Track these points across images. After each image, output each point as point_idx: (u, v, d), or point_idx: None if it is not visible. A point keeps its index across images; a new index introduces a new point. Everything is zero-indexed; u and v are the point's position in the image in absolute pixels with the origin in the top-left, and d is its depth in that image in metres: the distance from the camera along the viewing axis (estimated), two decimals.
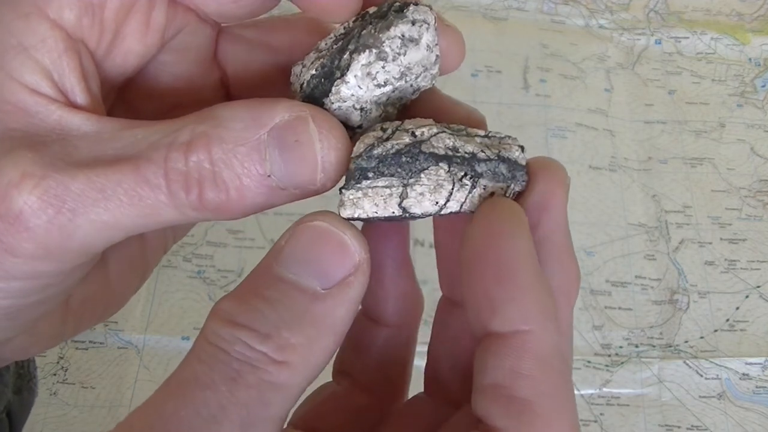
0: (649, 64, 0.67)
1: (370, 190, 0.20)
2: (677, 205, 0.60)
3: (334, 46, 0.22)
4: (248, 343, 0.18)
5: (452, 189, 0.21)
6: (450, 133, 0.21)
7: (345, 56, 0.21)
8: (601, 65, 0.66)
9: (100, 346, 0.51)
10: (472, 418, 0.19)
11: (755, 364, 0.53)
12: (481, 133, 0.22)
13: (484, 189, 0.21)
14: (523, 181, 0.22)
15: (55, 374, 0.50)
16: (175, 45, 0.24)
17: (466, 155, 0.21)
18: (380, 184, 0.20)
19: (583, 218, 0.58)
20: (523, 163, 0.22)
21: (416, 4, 0.21)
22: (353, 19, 0.22)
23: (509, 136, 0.22)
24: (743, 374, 0.53)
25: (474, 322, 0.20)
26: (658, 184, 0.60)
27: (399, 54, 0.21)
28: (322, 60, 0.22)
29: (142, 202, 0.19)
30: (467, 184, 0.21)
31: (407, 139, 0.20)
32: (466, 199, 0.21)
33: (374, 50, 0.21)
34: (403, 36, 0.21)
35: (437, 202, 0.21)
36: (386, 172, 0.20)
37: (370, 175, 0.20)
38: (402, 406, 0.27)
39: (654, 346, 0.54)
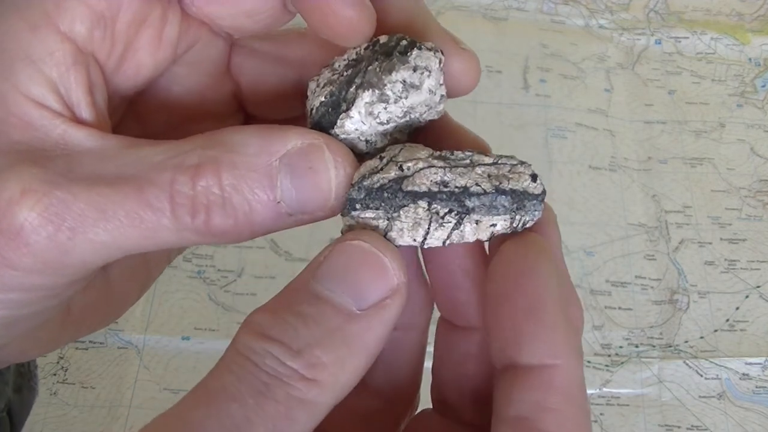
0: (649, 64, 0.67)
1: (360, 219, 0.21)
2: (677, 205, 0.60)
3: (345, 73, 0.22)
4: (279, 357, 0.18)
5: (428, 228, 0.20)
6: (442, 166, 0.21)
7: (351, 89, 0.21)
8: (601, 65, 0.66)
9: (100, 346, 0.51)
10: None
11: (755, 364, 0.53)
12: (489, 160, 0.21)
13: (477, 224, 0.21)
14: (536, 210, 0.21)
15: (55, 374, 0.50)
16: (188, 58, 0.24)
17: (456, 190, 0.21)
18: (368, 215, 0.21)
19: (583, 218, 0.58)
20: (537, 191, 0.21)
21: (420, 48, 0.21)
22: (365, 45, 0.22)
23: (522, 163, 0.22)
24: (743, 374, 0.53)
25: (498, 353, 0.20)
26: (658, 184, 0.60)
27: (401, 97, 0.21)
28: (331, 87, 0.22)
29: (144, 224, 0.19)
30: (450, 221, 0.20)
31: (393, 174, 0.21)
32: (449, 235, 0.21)
33: (377, 91, 0.21)
34: (404, 81, 0.21)
35: (415, 239, 0.21)
36: (371, 205, 0.20)
37: (358, 206, 0.21)
38: (412, 423, 0.26)
39: (654, 346, 0.54)
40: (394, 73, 0.21)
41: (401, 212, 0.20)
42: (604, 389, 0.52)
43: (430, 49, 0.21)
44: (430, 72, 0.21)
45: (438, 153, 0.21)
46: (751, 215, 0.59)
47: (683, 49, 0.68)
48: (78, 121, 0.20)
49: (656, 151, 0.62)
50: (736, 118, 0.64)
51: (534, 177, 0.21)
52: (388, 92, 0.21)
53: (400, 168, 0.21)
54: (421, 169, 0.21)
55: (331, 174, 0.20)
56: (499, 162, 0.21)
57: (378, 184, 0.21)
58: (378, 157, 0.21)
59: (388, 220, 0.21)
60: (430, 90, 0.21)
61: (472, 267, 0.24)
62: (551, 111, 0.63)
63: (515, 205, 0.21)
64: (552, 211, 0.22)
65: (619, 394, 0.52)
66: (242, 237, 0.20)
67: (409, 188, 0.20)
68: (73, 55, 0.20)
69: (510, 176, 0.21)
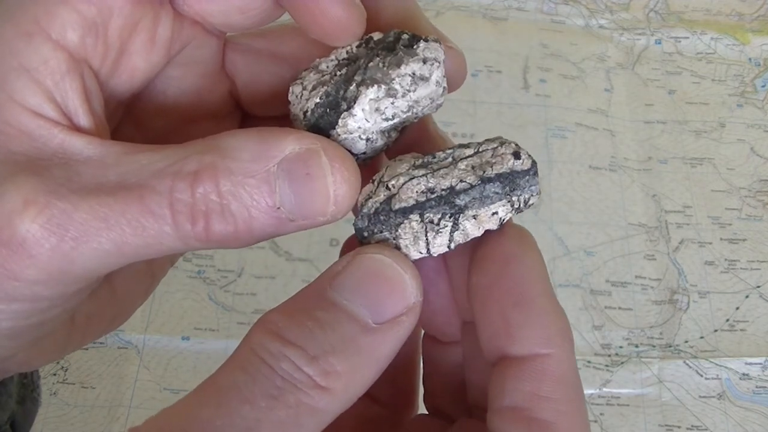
0: (649, 64, 0.67)
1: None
2: (677, 205, 0.60)
3: (338, 73, 0.22)
4: (295, 362, 0.18)
5: (427, 238, 0.20)
6: (423, 174, 0.21)
7: (351, 87, 0.21)
8: (601, 65, 0.66)
9: (100, 346, 0.51)
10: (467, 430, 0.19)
11: (755, 364, 0.53)
12: (470, 152, 0.21)
13: (475, 218, 0.20)
14: (532, 185, 0.20)
15: (55, 374, 0.50)
16: (182, 59, 0.24)
17: (443, 193, 0.20)
18: (378, 238, 0.21)
19: (583, 218, 0.58)
20: (526, 167, 0.20)
21: (426, 40, 0.21)
22: (356, 44, 0.22)
23: (504, 143, 0.21)
24: (743, 374, 0.53)
25: (488, 346, 0.20)
26: (658, 184, 0.60)
27: (409, 91, 0.21)
28: (326, 88, 0.21)
29: (146, 232, 0.19)
30: (447, 225, 0.20)
31: (382, 196, 0.21)
32: (451, 239, 0.20)
33: (383, 86, 0.21)
34: (413, 74, 0.21)
35: (421, 252, 0.21)
36: (375, 230, 0.21)
37: (366, 234, 0.21)
38: (412, 423, 0.27)
39: (654, 346, 0.54)
40: (403, 67, 0.21)
41: (399, 230, 0.20)
42: (604, 389, 0.52)
43: (435, 41, 0.21)
44: (439, 63, 0.21)
45: (420, 161, 0.21)
46: (751, 215, 0.59)
47: (683, 49, 0.68)
48: (76, 128, 0.20)
49: (656, 151, 0.62)
50: (736, 118, 0.64)
51: (516, 154, 0.21)
52: (396, 86, 0.21)
53: (387, 188, 0.21)
54: (403, 183, 0.21)
55: (328, 180, 0.20)
56: (481, 150, 0.21)
57: (373, 210, 0.21)
58: (371, 181, 0.21)
59: (394, 239, 0.20)
60: (437, 82, 0.21)
61: (444, 286, 0.24)
62: (551, 111, 0.63)
63: (507, 188, 0.20)
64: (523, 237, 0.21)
65: (619, 394, 0.52)
66: (243, 242, 0.20)
67: (398, 206, 0.20)
68: (67, 62, 0.20)
69: (493, 161, 0.21)
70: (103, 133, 0.21)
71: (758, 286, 0.56)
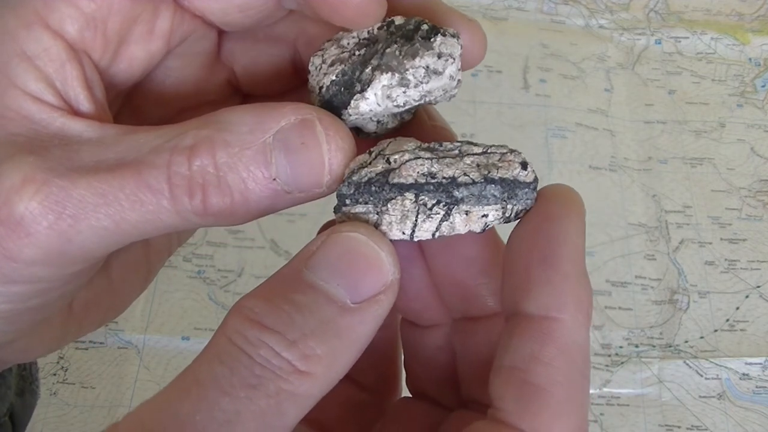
0: (649, 64, 0.67)
1: (351, 214, 0.20)
2: (677, 205, 0.60)
3: (357, 52, 0.22)
4: (274, 348, 0.18)
5: (416, 220, 0.20)
6: (429, 157, 0.21)
7: (367, 70, 0.21)
8: (601, 65, 0.66)
9: (100, 346, 0.51)
10: (464, 421, 0.19)
11: (755, 364, 0.53)
12: (478, 150, 0.21)
13: (467, 214, 0.20)
14: (528, 199, 0.21)
15: (55, 374, 0.50)
16: (182, 50, 0.24)
17: (444, 181, 0.20)
18: (358, 210, 0.20)
19: None
20: (529, 179, 0.21)
21: (444, 34, 0.21)
22: (378, 25, 0.22)
23: (513, 151, 0.21)
24: (743, 374, 0.53)
25: (506, 300, 0.20)
26: (658, 184, 0.60)
27: (421, 82, 0.21)
28: (342, 66, 0.21)
29: (144, 207, 0.19)
30: (439, 213, 0.20)
31: (380, 167, 0.21)
32: (438, 227, 0.20)
33: (397, 75, 0.21)
34: (427, 67, 0.21)
35: (404, 232, 0.20)
36: (360, 199, 0.20)
37: (348, 201, 0.20)
38: (396, 406, 0.27)
39: (654, 346, 0.54)
40: (417, 59, 0.21)
41: (389, 205, 0.20)
42: (604, 389, 0.52)
43: (453, 36, 0.21)
44: (453, 59, 0.21)
45: (426, 145, 0.21)
46: (751, 215, 0.59)
47: (683, 49, 0.68)
48: (77, 113, 0.20)
49: (656, 151, 0.62)
50: (736, 118, 0.64)
51: (524, 165, 0.21)
52: (410, 77, 0.21)
53: (387, 161, 0.21)
54: (407, 160, 0.21)
55: (323, 149, 0.20)
56: (489, 151, 0.21)
57: (366, 178, 0.20)
58: (367, 151, 0.21)
59: (377, 214, 0.20)
60: (450, 76, 0.21)
61: (419, 272, 0.24)
62: (551, 111, 0.63)
63: (506, 194, 0.20)
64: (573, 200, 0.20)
65: (619, 394, 0.52)
66: (240, 217, 0.20)
67: (396, 180, 0.20)
68: (67, 51, 0.20)
69: (499, 165, 0.21)
70: (106, 118, 0.21)
71: (758, 286, 0.56)
